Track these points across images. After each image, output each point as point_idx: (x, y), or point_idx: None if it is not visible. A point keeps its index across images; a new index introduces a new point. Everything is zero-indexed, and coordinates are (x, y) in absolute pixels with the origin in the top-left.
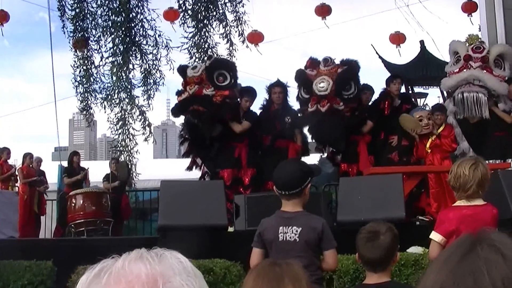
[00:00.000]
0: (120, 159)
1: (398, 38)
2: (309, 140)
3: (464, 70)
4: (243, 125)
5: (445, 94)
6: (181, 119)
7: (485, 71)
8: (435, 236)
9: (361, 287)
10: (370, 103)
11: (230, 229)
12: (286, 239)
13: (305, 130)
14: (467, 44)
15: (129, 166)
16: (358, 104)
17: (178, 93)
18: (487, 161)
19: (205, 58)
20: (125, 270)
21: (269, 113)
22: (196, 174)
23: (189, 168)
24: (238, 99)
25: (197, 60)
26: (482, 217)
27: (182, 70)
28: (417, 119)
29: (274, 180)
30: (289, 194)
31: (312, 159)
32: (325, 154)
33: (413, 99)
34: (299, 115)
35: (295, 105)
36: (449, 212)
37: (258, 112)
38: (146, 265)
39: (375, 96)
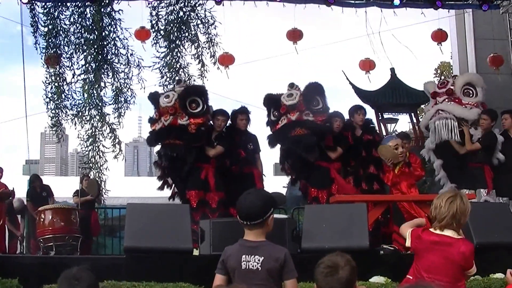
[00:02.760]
0: (90, 175)
1: (367, 65)
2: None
3: (433, 106)
4: (216, 149)
5: (414, 119)
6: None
7: (452, 102)
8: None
9: None
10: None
11: (196, 253)
12: (248, 268)
13: (278, 146)
14: (436, 81)
15: (99, 183)
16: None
17: (151, 121)
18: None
19: (174, 83)
20: None
21: (235, 141)
22: (166, 193)
23: (161, 188)
24: (211, 122)
25: (168, 80)
26: (446, 249)
27: (153, 97)
28: (393, 149)
29: (236, 210)
30: (251, 224)
31: (282, 181)
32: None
33: (377, 128)
34: (270, 133)
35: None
36: (423, 232)
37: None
38: None
39: None
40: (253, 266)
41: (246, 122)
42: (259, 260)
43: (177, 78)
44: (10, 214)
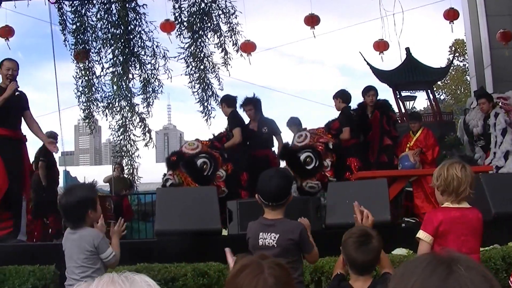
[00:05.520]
0: (122, 164)
1: (381, 46)
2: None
3: None
4: (235, 133)
5: (431, 96)
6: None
7: None
8: (423, 235)
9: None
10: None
11: (224, 233)
12: (265, 244)
13: None
14: None
15: (129, 181)
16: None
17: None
18: None
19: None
20: None
21: (248, 131)
22: None
23: None
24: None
25: (193, 69)
26: (469, 220)
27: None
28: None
29: (261, 192)
30: (276, 205)
31: None
32: None
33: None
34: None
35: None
36: (438, 212)
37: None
38: None
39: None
40: (269, 243)
41: (252, 112)
42: (274, 237)
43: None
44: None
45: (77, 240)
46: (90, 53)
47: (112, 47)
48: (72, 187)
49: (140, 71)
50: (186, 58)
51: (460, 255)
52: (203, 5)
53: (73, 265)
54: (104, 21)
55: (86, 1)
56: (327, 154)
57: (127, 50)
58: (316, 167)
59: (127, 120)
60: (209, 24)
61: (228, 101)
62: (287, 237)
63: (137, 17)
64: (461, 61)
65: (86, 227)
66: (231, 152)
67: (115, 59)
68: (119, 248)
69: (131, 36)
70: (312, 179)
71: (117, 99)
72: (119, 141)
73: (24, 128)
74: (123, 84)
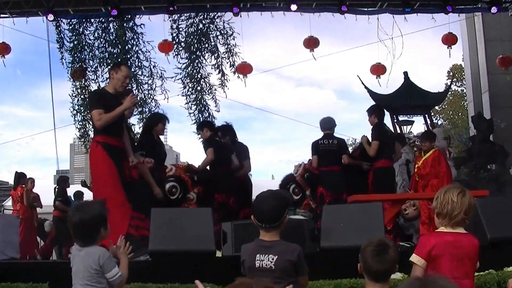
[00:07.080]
0: None
1: (379, 69)
2: None
3: None
4: (208, 153)
5: (428, 121)
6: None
7: None
8: (416, 259)
9: None
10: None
11: (218, 254)
12: (262, 266)
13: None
14: None
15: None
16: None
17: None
18: None
19: None
20: None
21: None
22: None
23: None
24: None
25: (190, 89)
26: (463, 245)
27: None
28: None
29: (255, 213)
30: (270, 226)
31: None
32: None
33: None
34: None
35: None
36: (431, 236)
37: None
38: None
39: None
40: (266, 265)
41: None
42: (272, 259)
43: None
44: (43, 236)
45: (83, 257)
46: (87, 71)
47: (109, 66)
48: (84, 204)
49: (136, 91)
50: (183, 78)
51: (439, 280)
52: (201, 25)
53: (79, 282)
54: (101, 39)
55: (84, 20)
56: (306, 185)
57: None
58: (302, 197)
59: None
60: (206, 45)
61: (211, 126)
62: (285, 258)
63: (135, 36)
64: (459, 86)
65: (94, 244)
66: (202, 174)
67: None
68: (127, 269)
69: (128, 56)
70: (300, 208)
71: None
72: None
73: None
74: None
